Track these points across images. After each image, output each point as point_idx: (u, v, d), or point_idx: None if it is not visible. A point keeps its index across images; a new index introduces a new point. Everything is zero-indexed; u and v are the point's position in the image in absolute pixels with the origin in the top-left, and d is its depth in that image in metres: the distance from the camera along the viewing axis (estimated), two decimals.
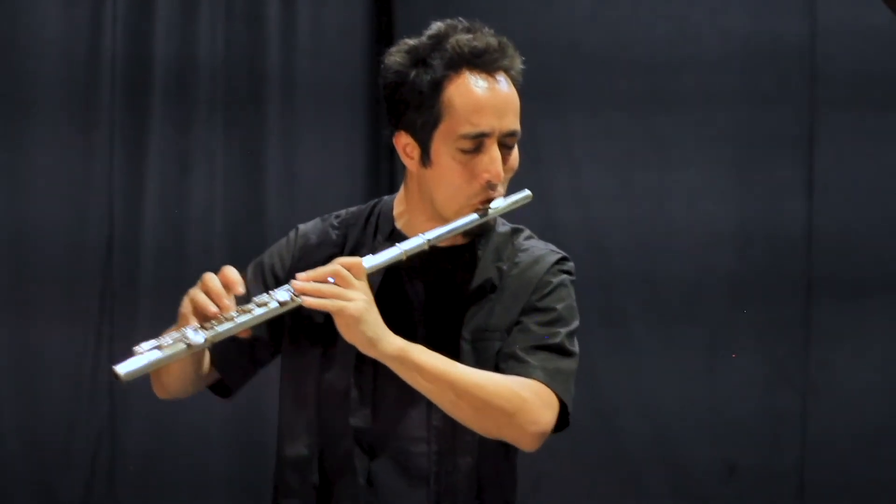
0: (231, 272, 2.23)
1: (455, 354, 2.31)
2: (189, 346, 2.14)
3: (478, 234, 2.39)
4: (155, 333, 2.18)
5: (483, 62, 2.28)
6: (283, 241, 2.49)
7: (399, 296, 2.34)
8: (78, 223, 4.61)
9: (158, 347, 2.14)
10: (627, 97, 4.59)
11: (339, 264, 2.20)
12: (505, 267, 2.39)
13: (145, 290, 4.61)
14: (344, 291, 2.18)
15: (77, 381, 4.59)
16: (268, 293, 2.21)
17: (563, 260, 2.42)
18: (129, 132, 4.65)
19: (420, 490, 2.34)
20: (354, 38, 4.90)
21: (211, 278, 2.22)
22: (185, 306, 2.23)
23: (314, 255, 2.41)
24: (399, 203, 2.43)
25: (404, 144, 2.34)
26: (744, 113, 4.51)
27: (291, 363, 2.44)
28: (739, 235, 4.53)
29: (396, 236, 2.38)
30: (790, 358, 4.46)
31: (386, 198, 2.48)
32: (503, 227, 2.44)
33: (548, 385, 2.29)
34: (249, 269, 2.47)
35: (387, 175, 4.90)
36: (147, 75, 4.67)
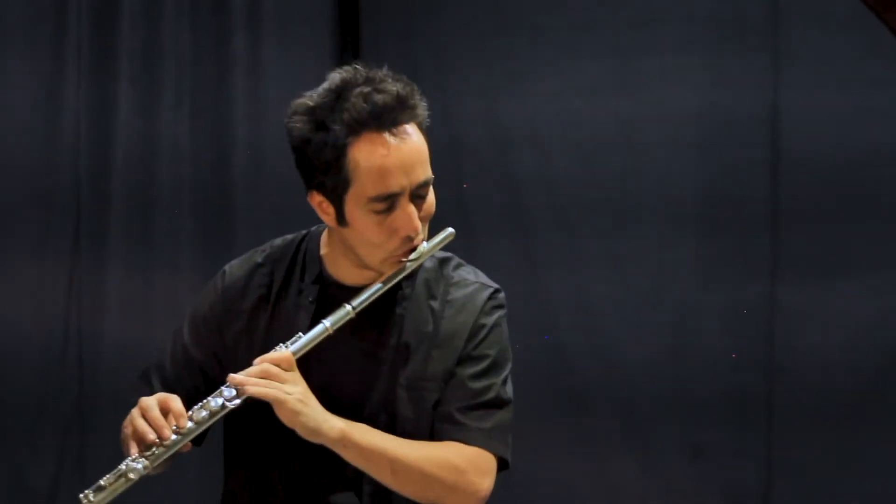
0: (172, 402, 2.24)
1: (391, 402, 2.34)
2: (129, 478, 2.22)
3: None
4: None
5: (382, 123, 2.23)
6: (210, 286, 2.48)
7: (332, 346, 2.32)
8: (46, 163, 4.60)
9: (101, 488, 2.22)
10: (592, 80, 4.59)
11: (266, 363, 2.22)
12: (437, 305, 2.39)
13: (115, 242, 4.64)
14: (278, 385, 2.20)
15: (45, 368, 4.58)
16: (202, 403, 2.23)
17: (494, 294, 2.43)
18: (96, 62, 4.64)
19: None
20: None
21: (151, 408, 2.24)
22: (125, 431, 2.29)
23: (242, 302, 2.42)
24: (325, 245, 2.42)
25: (318, 202, 2.32)
26: (708, 93, 4.52)
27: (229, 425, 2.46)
28: (704, 216, 4.54)
29: (324, 279, 2.38)
30: (755, 338, 4.48)
31: (313, 231, 2.47)
32: (430, 259, 2.42)
33: (486, 448, 2.34)
34: (185, 328, 2.48)
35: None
36: (113, 7, 4.67)
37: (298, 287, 2.40)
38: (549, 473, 4.50)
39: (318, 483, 2.37)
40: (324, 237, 2.43)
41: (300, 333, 2.28)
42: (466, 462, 2.32)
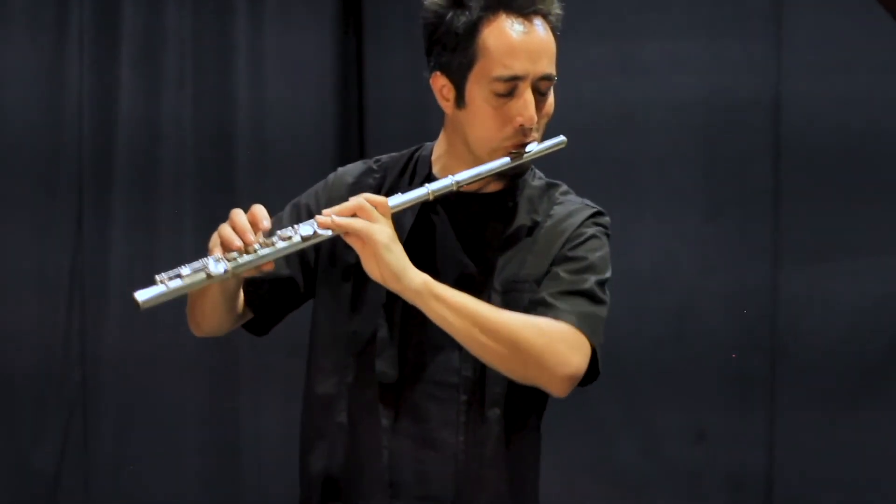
0: (258, 209, 2.23)
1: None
2: (209, 275, 2.14)
3: (512, 181, 2.39)
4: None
5: (519, 5, 2.29)
6: (321, 184, 2.50)
7: (431, 243, 2.34)
8: (48, 145, 4.61)
9: (178, 276, 2.13)
10: (593, 64, 4.59)
11: (363, 198, 2.21)
12: (539, 219, 2.39)
13: (117, 225, 4.65)
14: (368, 222, 2.18)
15: (49, 351, 4.59)
16: (292, 227, 2.21)
17: (598, 214, 2.44)
18: (98, 46, 4.65)
19: (446, 439, 2.34)
20: None
21: (238, 214, 2.22)
22: (213, 241, 2.24)
23: (349, 195, 2.36)
24: (437, 147, 2.44)
25: (441, 86, 2.34)
26: (710, 78, 4.52)
27: (322, 305, 2.43)
28: (706, 200, 4.54)
29: (432, 181, 2.37)
30: (758, 322, 4.48)
31: (427, 144, 2.49)
32: (538, 180, 2.45)
33: (577, 327, 2.29)
34: (287, 209, 2.48)
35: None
36: None
37: (406, 190, 2.38)
38: (552, 457, 4.50)
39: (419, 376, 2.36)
40: (437, 143, 2.44)
41: (399, 192, 2.29)
42: (556, 332, 2.26)
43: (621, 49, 4.58)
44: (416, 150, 2.49)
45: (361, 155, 4.80)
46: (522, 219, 2.39)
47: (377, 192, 2.40)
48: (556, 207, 2.41)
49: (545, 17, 2.33)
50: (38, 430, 4.59)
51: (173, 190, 4.68)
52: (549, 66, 2.33)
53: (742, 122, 4.48)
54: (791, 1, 4.43)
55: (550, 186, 2.45)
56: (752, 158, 4.48)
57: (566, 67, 4.52)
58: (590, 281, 2.35)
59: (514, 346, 2.22)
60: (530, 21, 2.30)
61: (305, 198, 2.48)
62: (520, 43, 2.28)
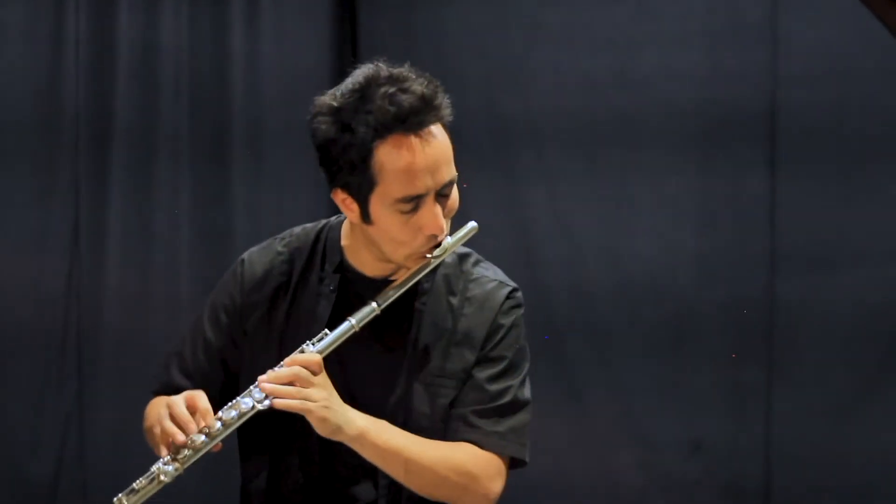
0: (199, 400, 2.23)
1: (408, 397, 2.35)
2: (161, 481, 2.24)
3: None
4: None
5: (409, 125, 2.21)
6: (230, 276, 2.50)
7: (351, 341, 2.31)
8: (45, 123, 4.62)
9: (133, 491, 2.26)
10: (590, 75, 4.59)
11: (297, 365, 2.22)
12: (456, 302, 2.40)
13: (113, 236, 4.67)
14: (306, 392, 2.20)
15: (45, 362, 4.59)
16: (232, 404, 2.23)
17: (512, 293, 2.44)
18: (94, 55, 4.68)
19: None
20: None
21: (177, 407, 2.23)
22: (154, 429, 2.27)
23: (262, 290, 2.44)
24: (346, 236, 2.43)
25: (342, 199, 2.31)
26: (706, 88, 4.52)
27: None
28: (703, 210, 4.54)
29: (345, 269, 2.40)
30: (754, 331, 4.48)
31: (332, 222, 2.48)
32: (450, 255, 2.42)
33: (499, 453, 2.36)
34: (206, 312, 2.49)
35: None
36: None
37: (319, 275, 2.41)
38: (549, 468, 4.51)
39: (336, 470, 2.40)
40: (345, 228, 2.43)
41: (326, 331, 2.28)
42: (478, 467, 2.34)
43: (617, 59, 4.58)
44: (322, 229, 2.48)
45: None
46: (441, 303, 2.40)
47: (288, 278, 2.43)
48: (471, 286, 2.42)
49: (438, 120, 2.26)
50: (35, 439, 4.59)
51: (171, 193, 4.69)
52: (448, 172, 2.27)
53: (738, 131, 4.48)
54: (786, 10, 4.43)
55: (462, 259, 2.46)
56: (748, 167, 4.48)
57: (564, 77, 4.57)
58: (511, 389, 2.39)
59: (439, 484, 2.32)
60: (422, 135, 2.22)
61: (219, 297, 2.49)
62: (417, 162, 2.21)
